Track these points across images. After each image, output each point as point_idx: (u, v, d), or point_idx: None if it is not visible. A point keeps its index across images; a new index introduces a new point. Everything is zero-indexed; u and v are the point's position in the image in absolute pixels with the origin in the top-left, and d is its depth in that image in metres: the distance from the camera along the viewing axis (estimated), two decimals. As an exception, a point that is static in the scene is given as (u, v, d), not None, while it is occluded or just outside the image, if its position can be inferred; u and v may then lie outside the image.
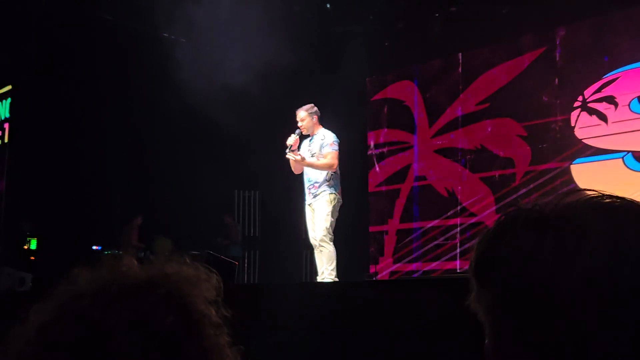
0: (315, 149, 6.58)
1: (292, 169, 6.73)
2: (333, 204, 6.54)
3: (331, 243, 6.48)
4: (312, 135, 6.69)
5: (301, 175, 6.79)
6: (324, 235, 6.43)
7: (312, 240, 6.63)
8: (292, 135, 6.59)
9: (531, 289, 0.73)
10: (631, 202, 0.77)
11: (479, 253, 0.81)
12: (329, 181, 6.57)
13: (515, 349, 0.76)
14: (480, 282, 0.80)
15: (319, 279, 6.55)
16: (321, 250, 6.46)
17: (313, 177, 6.57)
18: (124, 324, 0.82)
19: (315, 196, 6.54)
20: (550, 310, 0.72)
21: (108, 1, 9.18)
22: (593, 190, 0.79)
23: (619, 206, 0.76)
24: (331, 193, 6.54)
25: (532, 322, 0.74)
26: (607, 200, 0.77)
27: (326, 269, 6.42)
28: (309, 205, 6.63)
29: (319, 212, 6.49)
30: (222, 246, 10.29)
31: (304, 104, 6.85)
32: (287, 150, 6.57)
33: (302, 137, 6.71)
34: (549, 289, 0.72)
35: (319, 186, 6.54)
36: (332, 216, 6.51)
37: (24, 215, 9.48)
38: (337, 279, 6.52)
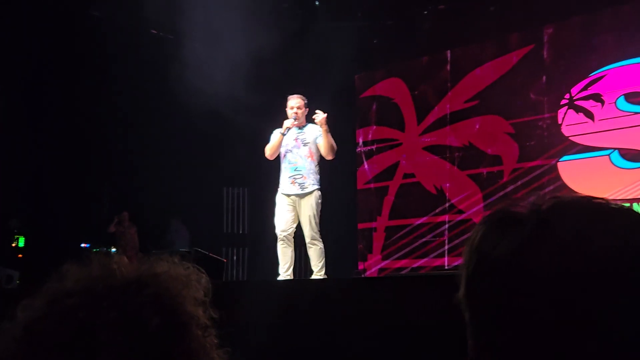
0: (309, 139, 6.48)
1: (270, 152, 6.51)
2: (320, 200, 6.49)
3: (321, 240, 6.44)
4: (301, 127, 6.61)
5: (277, 161, 6.62)
6: (316, 233, 6.36)
7: (281, 233, 6.43)
8: (290, 119, 6.53)
9: (504, 291, 0.74)
10: (616, 209, 0.76)
11: (465, 250, 0.81)
12: (317, 174, 6.49)
13: (486, 347, 0.77)
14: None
15: (283, 276, 6.42)
16: (312, 248, 6.40)
17: (300, 167, 6.43)
18: (110, 324, 0.81)
19: (303, 188, 6.39)
20: (517, 314, 0.73)
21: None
22: (584, 195, 0.79)
23: (609, 212, 0.76)
24: (319, 188, 6.47)
25: (501, 323, 0.74)
26: (597, 202, 0.76)
27: (316, 266, 6.38)
28: (290, 195, 6.45)
29: (308, 209, 6.36)
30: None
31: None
32: (285, 132, 6.48)
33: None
34: (520, 293, 0.72)
35: (308, 177, 6.40)
36: (319, 212, 6.46)
37: (12, 212, 9.43)
38: (325, 276, 6.51)
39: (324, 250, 6.43)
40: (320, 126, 6.38)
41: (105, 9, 9.27)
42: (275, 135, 6.57)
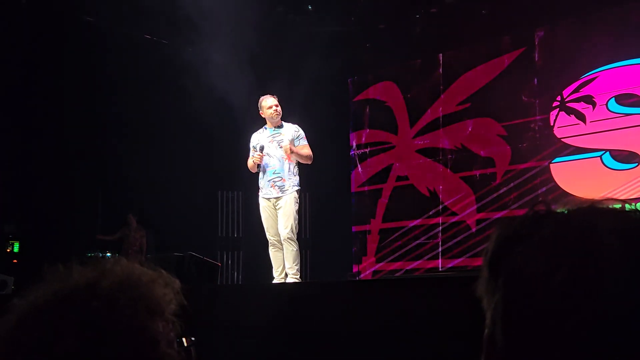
0: (286, 140, 6.42)
1: (250, 168, 6.53)
2: (298, 200, 6.45)
3: (297, 242, 6.37)
4: (276, 127, 6.55)
5: (257, 165, 6.54)
6: (292, 233, 6.29)
7: (271, 238, 6.42)
8: (257, 153, 6.43)
9: (536, 293, 0.73)
10: None
11: (497, 244, 0.79)
12: (295, 175, 6.45)
13: (509, 343, 0.75)
14: (491, 272, 0.79)
15: (277, 279, 6.37)
16: (287, 249, 6.30)
17: (279, 169, 6.39)
18: (25, 344, 0.80)
19: (282, 191, 6.35)
20: (548, 316, 0.72)
21: (89, 3, 9.13)
22: (620, 202, 0.78)
23: (620, 215, 0.75)
24: (297, 189, 6.42)
25: (528, 324, 0.73)
26: (608, 206, 0.76)
27: (291, 269, 6.28)
28: (271, 199, 6.43)
29: (287, 210, 6.32)
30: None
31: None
32: (255, 158, 6.42)
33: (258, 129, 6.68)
34: (532, 295, 0.72)
35: (287, 179, 6.36)
36: (297, 213, 6.44)
37: (6, 217, 9.41)
38: (300, 280, 6.44)
39: (299, 252, 6.37)
40: (285, 152, 6.36)
41: (99, 15, 9.28)
42: (252, 153, 6.50)
